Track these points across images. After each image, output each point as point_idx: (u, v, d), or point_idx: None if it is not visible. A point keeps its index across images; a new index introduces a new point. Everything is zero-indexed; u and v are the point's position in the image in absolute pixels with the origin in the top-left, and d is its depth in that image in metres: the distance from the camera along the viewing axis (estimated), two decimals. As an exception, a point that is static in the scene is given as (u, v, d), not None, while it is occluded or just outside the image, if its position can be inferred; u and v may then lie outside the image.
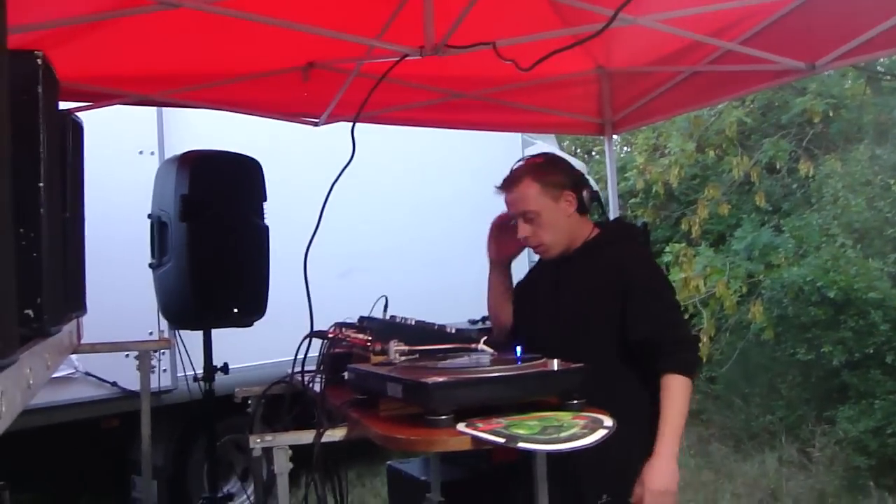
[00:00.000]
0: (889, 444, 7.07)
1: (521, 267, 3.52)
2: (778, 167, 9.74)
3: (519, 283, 3.42)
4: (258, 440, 2.39)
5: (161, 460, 6.04)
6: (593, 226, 3.17)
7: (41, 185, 1.59)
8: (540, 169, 3.07)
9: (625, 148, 13.72)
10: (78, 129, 2.78)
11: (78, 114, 2.98)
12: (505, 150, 6.92)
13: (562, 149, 12.14)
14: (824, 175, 8.75)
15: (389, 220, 7.00)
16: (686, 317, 8.59)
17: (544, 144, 9.70)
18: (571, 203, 3.04)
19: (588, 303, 3.01)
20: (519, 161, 3.16)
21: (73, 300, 2.57)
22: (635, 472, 2.83)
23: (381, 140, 5.79)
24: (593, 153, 16.97)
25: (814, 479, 7.30)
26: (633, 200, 10.53)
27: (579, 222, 3.09)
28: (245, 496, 6.23)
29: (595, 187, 8.85)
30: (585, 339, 2.93)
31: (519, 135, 7.84)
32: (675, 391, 2.81)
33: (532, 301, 3.27)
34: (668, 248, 9.02)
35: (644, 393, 2.89)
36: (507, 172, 3.14)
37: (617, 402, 2.27)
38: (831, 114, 9.53)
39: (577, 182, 3.07)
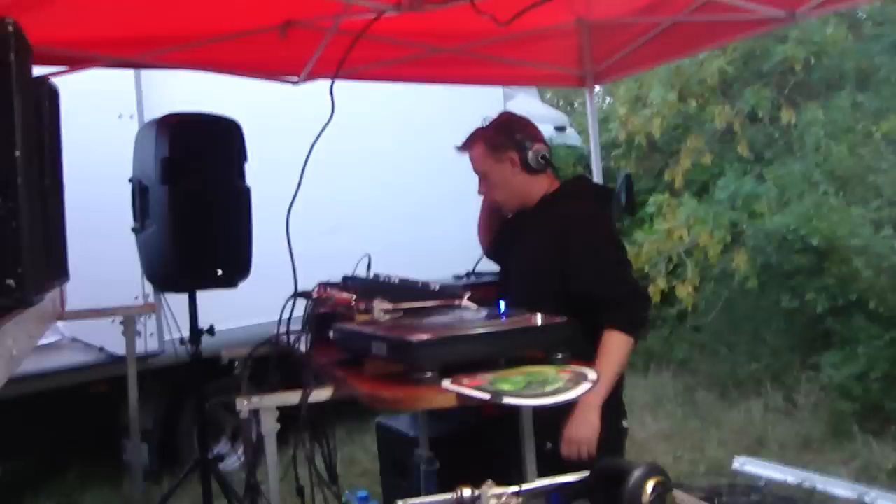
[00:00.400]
0: (872, 390, 7.12)
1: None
2: (760, 116, 9.70)
3: (503, 223, 3.57)
4: (245, 402, 2.40)
5: (151, 423, 6.07)
6: (553, 182, 3.32)
7: (17, 153, 1.58)
8: (487, 132, 3.32)
9: (607, 98, 13.67)
10: (54, 94, 2.76)
11: (55, 79, 2.96)
12: (486, 103, 6.89)
13: (544, 101, 12.13)
14: (806, 123, 8.73)
15: (372, 176, 6.98)
16: (668, 267, 8.64)
17: (526, 97, 9.69)
18: (515, 163, 3.22)
19: (534, 258, 3.20)
20: (485, 120, 3.37)
21: (55, 268, 2.56)
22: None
23: (361, 97, 5.75)
24: (575, 104, 16.92)
25: (799, 424, 7.36)
26: (615, 152, 10.48)
27: (529, 180, 3.26)
28: (235, 457, 6.27)
29: (577, 140, 8.77)
30: (532, 291, 3.04)
31: (500, 88, 7.81)
32: (611, 346, 2.97)
33: (501, 247, 3.51)
34: (651, 199, 9.02)
35: (589, 348, 2.95)
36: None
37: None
38: (813, 61, 9.50)
39: (521, 142, 3.22)
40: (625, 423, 3.33)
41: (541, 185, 3.28)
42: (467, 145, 3.33)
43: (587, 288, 3.00)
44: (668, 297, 8.81)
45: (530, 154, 3.20)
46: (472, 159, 3.34)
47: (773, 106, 9.50)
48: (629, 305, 3.04)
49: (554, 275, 3.07)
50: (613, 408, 3.10)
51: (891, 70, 8.76)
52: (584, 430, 2.93)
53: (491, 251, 3.62)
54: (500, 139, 3.25)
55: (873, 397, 7.13)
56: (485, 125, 3.35)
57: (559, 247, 3.08)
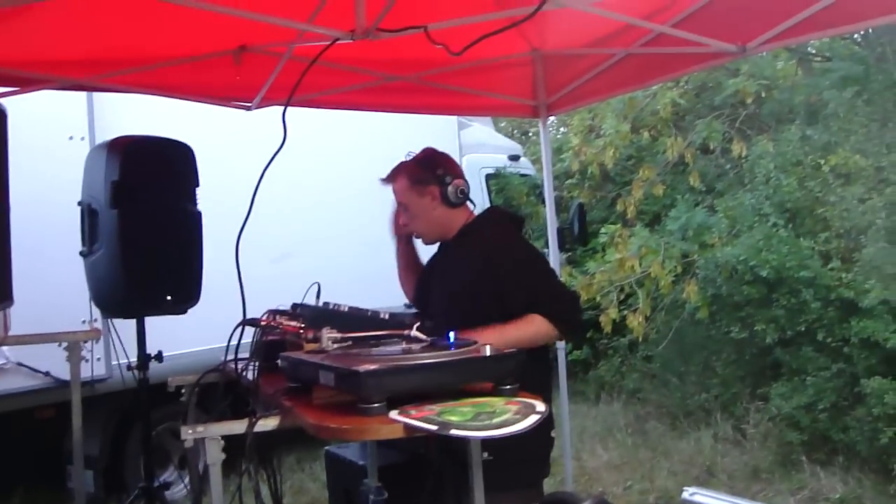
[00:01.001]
0: (820, 420, 7.20)
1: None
2: (711, 148, 9.80)
3: (424, 269, 3.70)
4: (190, 431, 2.36)
5: (97, 450, 5.99)
6: (470, 215, 3.45)
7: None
8: (410, 166, 3.46)
9: (561, 129, 13.76)
10: (1, 116, 2.73)
11: (5, 99, 2.92)
12: (440, 132, 6.92)
13: (498, 130, 12.18)
14: (756, 155, 8.82)
15: (324, 204, 6.97)
16: (620, 297, 8.69)
17: (481, 126, 9.73)
18: (435, 197, 3.35)
19: (463, 285, 3.25)
20: (407, 155, 3.52)
21: (-3, 291, 2.52)
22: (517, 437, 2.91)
23: (314, 124, 5.76)
24: (530, 134, 17.02)
25: (748, 454, 7.43)
26: (569, 181, 10.56)
27: (448, 213, 3.40)
28: (182, 484, 6.19)
29: (530, 169, 8.85)
30: (465, 317, 3.00)
31: (455, 117, 7.84)
32: (527, 320, 3.05)
33: (425, 283, 3.57)
34: (603, 230, 9.08)
35: (535, 364, 3.00)
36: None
37: None
38: (763, 95, 9.62)
39: (442, 177, 3.35)
40: (552, 434, 3.37)
41: (459, 218, 3.41)
42: (391, 178, 3.49)
43: (526, 300, 3.07)
44: (620, 326, 8.86)
45: (450, 189, 3.34)
46: (395, 191, 3.48)
47: (724, 138, 9.61)
48: (558, 303, 3.13)
49: (486, 297, 3.13)
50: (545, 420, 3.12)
51: (839, 105, 8.89)
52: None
53: (416, 296, 3.68)
54: (423, 174, 3.38)
55: (821, 428, 7.21)
56: (408, 159, 3.49)
57: (488, 270, 3.16)
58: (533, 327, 3.05)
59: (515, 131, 17.20)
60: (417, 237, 3.59)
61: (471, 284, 3.21)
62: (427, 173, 3.38)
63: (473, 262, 3.23)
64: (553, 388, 3.47)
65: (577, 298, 3.38)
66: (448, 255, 3.47)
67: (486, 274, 3.16)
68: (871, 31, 9.63)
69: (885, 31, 9.49)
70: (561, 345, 5.37)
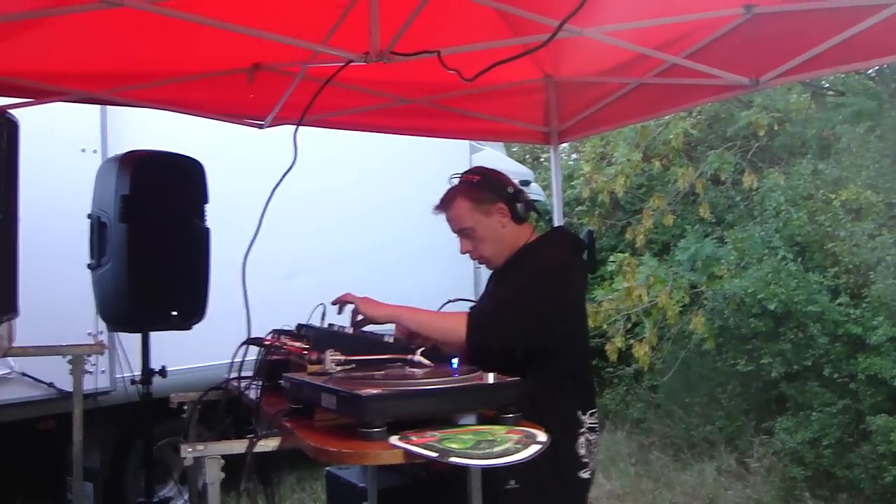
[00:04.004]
0: (825, 456, 7.17)
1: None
2: (722, 179, 9.82)
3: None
4: (190, 449, 2.35)
5: (98, 462, 5.96)
6: (532, 233, 3.25)
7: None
8: (470, 186, 3.19)
9: (573, 156, 13.77)
10: (13, 127, 2.75)
11: (19, 110, 2.94)
12: (452, 156, 6.94)
13: (510, 155, 12.18)
14: (767, 188, 8.82)
15: (333, 224, 6.96)
16: (626, 326, 8.65)
17: (492, 150, 9.74)
18: (505, 214, 3.15)
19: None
20: (454, 178, 3.25)
21: (3, 302, 2.52)
22: (538, 463, 2.88)
23: (326, 144, 5.77)
24: (541, 160, 17.02)
25: (751, 488, 7.39)
26: (579, 208, 10.56)
27: (516, 231, 3.19)
28: (182, 501, 6.17)
29: (541, 195, 8.81)
30: None
31: (466, 141, 7.84)
32: (448, 313, 3.01)
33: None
34: (612, 258, 9.06)
35: (547, 389, 2.98)
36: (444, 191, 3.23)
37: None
38: (776, 127, 9.64)
39: (508, 194, 3.16)
40: (584, 475, 3.13)
41: (524, 235, 3.21)
42: (446, 204, 3.21)
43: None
44: (625, 356, 8.83)
45: (519, 204, 3.16)
46: (453, 218, 3.21)
47: (735, 170, 9.62)
48: (488, 315, 2.92)
49: None
50: (571, 459, 3.08)
51: (851, 139, 8.90)
52: (372, 307, 2.92)
53: None
54: (485, 193, 3.16)
55: (825, 464, 7.18)
56: (457, 183, 3.24)
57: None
58: (450, 318, 2.94)
59: (527, 156, 17.21)
60: (483, 263, 3.33)
61: None
62: (490, 192, 3.16)
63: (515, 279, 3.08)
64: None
65: (515, 325, 2.90)
66: (506, 272, 3.22)
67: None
68: (885, 67, 9.65)
69: (899, 67, 9.51)
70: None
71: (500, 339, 2.87)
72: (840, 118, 9.39)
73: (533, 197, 10.42)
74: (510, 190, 3.17)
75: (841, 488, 7.01)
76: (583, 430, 3.12)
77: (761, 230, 8.54)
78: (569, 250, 3.27)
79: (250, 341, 2.70)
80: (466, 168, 3.37)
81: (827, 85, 10.94)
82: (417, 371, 2.37)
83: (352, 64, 3.29)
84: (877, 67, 9.75)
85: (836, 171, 8.75)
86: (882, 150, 8.53)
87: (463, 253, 3.26)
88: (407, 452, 1.91)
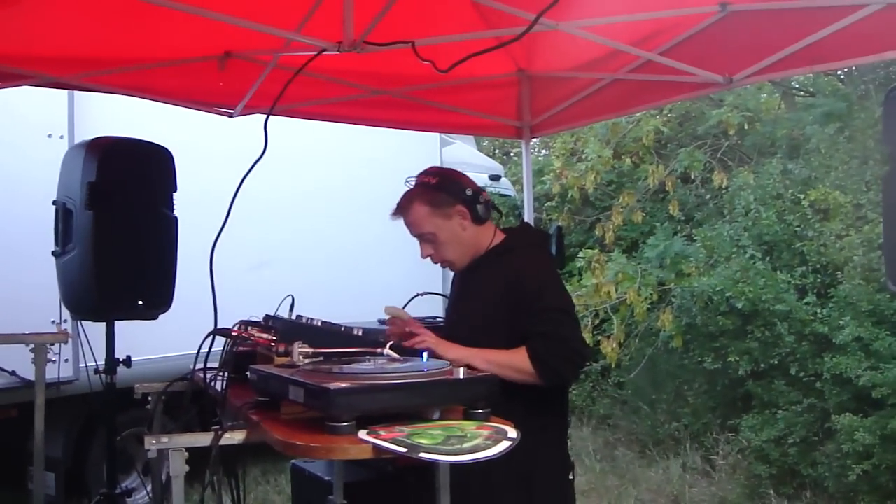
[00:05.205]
0: (790, 454, 7.20)
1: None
2: (692, 177, 9.85)
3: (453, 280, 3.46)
4: (154, 441, 2.32)
5: (60, 452, 5.91)
6: (496, 231, 3.20)
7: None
8: (427, 189, 3.11)
9: (543, 151, 13.77)
10: (-23, 110, 2.69)
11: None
12: (422, 148, 6.90)
13: (480, 149, 12.17)
14: (737, 187, 8.85)
15: (302, 215, 6.93)
16: (594, 322, 8.68)
17: (463, 144, 9.72)
18: (465, 217, 3.08)
19: (487, 310, 3.05)
20: (409, 180, 3.18)
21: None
22: (540, 475, 2.87)
23: (296, 134, 5.73)
24: (511, 154, 17.04)
25: (716, 486, 7.42)
26: (548, 204, 10.54)
27: (479, 232, 3.13)
28: (145, 492, 6.11)
29: (510, 190, 8.79)
30: (485, 345, 2.93)
31: (437, 134, 7.82)
32: (517, 354, 2.84)
33: (448, 309, 3.37)
34: (581, 254, 9.07)
35: (546, 398, 2.95)
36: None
37: (516, 407, 2.35)
38: (746, 126, 9.68)
39: (467, 196, 3.08)
40: (571, 476, 3.18)
41: (487, 234, 3.14)
42: (403, 209, 3.14)
43: (528, 330, 2.88)
44: (593, 352, 8.84)
45: (479, 206, 3.08)
46: (412, 223, 3.13)
47: (705, 168, 9.66)
48: (548, 343, 2.85)
49: (507, 327, 2.95)
50: (563, 462, 3.12)
51: (820, 140, 8.95)
52: (450, 350, 2.87)
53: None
54: (444, 196, 3.07)
55: (790, 462, 7.22)
56: (413, 186, 3.16)
57: (513, 299, 2.96)
58: (518, 359, 2.84)
59: (497, 151, 17.22)
60: (446, 266, 3.25)
61: (492, 311, 3.02)
62: (448, 194, 3.07)
63: (501, 288, 3.00)
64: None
65: (575, 346, 2.95)
66: (477, 274, 3.17)
67: (509, 301, 2.96)
68: (854, 69, 9.71)
69: (868, 69, 9.59)
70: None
71: (568, 363, 2.90)
72: (810, 119, 9.43)
73: (503, 192, 10.40)
74: (469, 192, 3.09)
75: (805, 486, 7.05)
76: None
77: (730, 229, 8.57)
78: (546, 252, 3.28)
79: (217, 332, 2.67)
80: (435, 161, 3.33)
81: (797, 86, 11.00)
82: (387, 365, 2.35)
83: (325, 53, 3.25)
84: (847, 69, 9.83)
85: (805, 172, 8.80)
86: (851, 152, 8.57)
87: (424, 258, 3.20)
88: (375, 447, 1.89)
